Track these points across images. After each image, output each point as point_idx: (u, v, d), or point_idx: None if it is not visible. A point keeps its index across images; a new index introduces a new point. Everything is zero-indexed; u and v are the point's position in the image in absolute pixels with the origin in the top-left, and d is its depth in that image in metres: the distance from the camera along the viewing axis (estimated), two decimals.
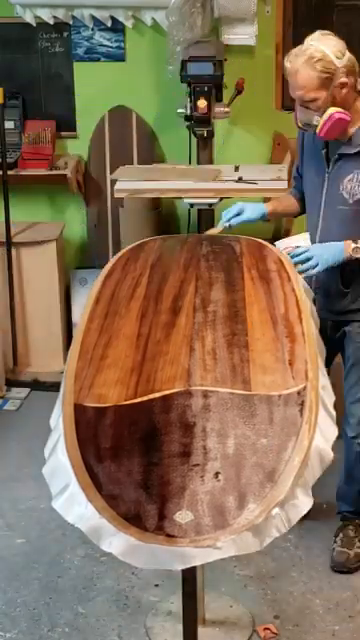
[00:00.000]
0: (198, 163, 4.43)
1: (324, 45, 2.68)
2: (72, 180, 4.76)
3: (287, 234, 4.88)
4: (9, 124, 4.75)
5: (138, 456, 1.76)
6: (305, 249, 2.81)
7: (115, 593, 3.03)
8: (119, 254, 2.72)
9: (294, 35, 4.82)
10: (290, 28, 4.81)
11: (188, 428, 1.80)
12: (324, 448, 1.90)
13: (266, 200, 4.50)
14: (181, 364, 1.99)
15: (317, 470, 1.86)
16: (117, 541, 1.67)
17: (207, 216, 4.28)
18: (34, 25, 4.78)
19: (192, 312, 2.23)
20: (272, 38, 4.79)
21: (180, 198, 3.93)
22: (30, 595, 3.05)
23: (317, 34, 2.75)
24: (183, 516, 1.66)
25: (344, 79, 2.69)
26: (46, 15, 4.74)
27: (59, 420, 1.92)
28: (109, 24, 4.77)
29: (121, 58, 4.87)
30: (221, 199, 3.91)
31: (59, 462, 1.83)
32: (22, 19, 4.76)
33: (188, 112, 4.27)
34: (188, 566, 1.67)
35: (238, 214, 3.01)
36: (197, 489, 1.69)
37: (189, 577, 2.34)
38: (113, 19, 4.76)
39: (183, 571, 2.27)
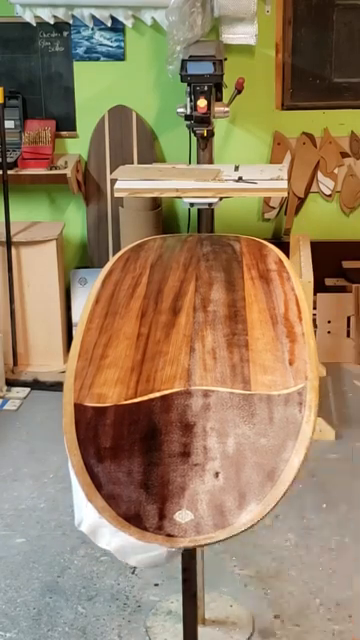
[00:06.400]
0: (198, 163, 4.43)
1: None
2: (72, 180, 4.75)
3: (287, 234, 4.89)
4: (9, 124, 4.76)
5: (138, 456, 1.76)
6: None
7: (115, 593, 3.04)
8: (119, 254, 2.71)
9: (294, 35, 4.82)
10: (290, 28, 4.82)
11: (188, 428, 1.80)
12: None
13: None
14: (181, 364, 1.99)
15: None
16: (117, 541, 1.67)
17: (207, 216, 4.28)
18: (34, 25, 4.78)
19: (192, 312, 2.23)
20: (272, 38, 4.79)
21: (180, 198, 3.93)
22: (30, 595, 3.05)
23: None
24: (183, 516, 1.66)
25: None
26: (46, 15, 4.73)
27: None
28: (109, 24, 4.77)
29: (121, 57, 4.87)
30: (221, 199, 3.91)
31: None
32: (22, 19, 4.76)
33: (188, 112, 4.26)
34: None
35: None
36: (197, 489, 1.69)
37: (189, 577, 2.34)
38: (113, 19, 4.75)
39: (183, 571, 2.27)
